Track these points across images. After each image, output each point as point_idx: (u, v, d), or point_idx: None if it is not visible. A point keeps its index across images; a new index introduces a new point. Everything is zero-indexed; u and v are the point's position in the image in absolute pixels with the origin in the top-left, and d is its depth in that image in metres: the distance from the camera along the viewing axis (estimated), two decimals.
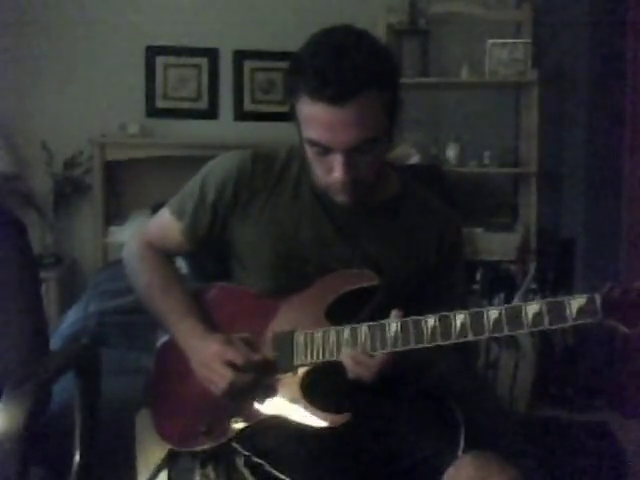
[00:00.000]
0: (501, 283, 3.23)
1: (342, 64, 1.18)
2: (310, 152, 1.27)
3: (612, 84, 3.17)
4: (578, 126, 3.45)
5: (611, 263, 3.12)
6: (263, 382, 1.31)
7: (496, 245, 3.47)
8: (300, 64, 1.23)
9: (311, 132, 1.23)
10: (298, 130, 1.29)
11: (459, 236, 1.47)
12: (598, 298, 1.10)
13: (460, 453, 1.24)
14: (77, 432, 1.40)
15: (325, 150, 1.24)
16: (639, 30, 3.01)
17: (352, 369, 1.23)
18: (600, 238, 3.26)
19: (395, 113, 1.27)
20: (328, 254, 1.37)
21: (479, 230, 3.49)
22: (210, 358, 1.31)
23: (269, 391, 1.31)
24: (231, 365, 1.29)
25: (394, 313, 1.23)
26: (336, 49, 1.20)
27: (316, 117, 1.21)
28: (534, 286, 3.16)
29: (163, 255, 1.48)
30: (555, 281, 3.26)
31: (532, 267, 3.28)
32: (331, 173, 1.25)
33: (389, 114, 1.25)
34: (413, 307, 1.24)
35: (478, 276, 3.26)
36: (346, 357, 1.24)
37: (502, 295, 3.12)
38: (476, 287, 3.22)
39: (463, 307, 1.20)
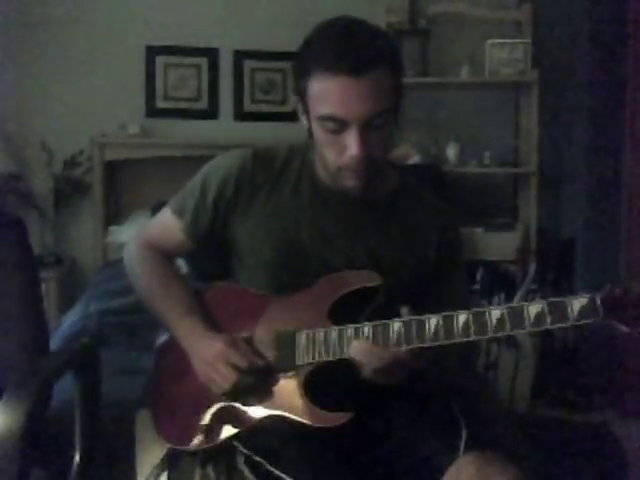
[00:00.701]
0: (501, 283, 3.23)
1: (357, 38, 1.23)
2: (322, 134, 1.28)
3: (612, 84, 3.17)
4: (578, 126, 3.44)
5: (611, 263, 3.12)
6: (265, 381, 1.31)
7: (496, 245, 3.48)
8: (312, 45, 1.27)
9: (326, 107, 1.25)
10: (307, 115, 1.30)
11: (458, 232, 1.48)
12: (599, 298, 1.11)
13: (461, 453, 1.24)
14: (77, 432, 1.40)
15: (339, 127, 1.25)
16: (639, 30, 3.01)
17: (367, 362, 1.22)
18: (600, 238, 3.26)
19: (400, 94, 1.31)
20: (329, 250, 1.37)
21: (479, 230, 3.49)
22: (213, 358, 1.31)
23: (271, 390, 1.31)
24: (234, 367, 1.29)
25: (403, 310, 1.22)
26: (347, 28, 1.26)
27: (332, 91, 1.23)
28: (534, 286, 3.16)
29: (163, 256, 1.48)
30: (555, 281, 3.26)
31: (532, 267, 3.28)
32: (345, 152, 1.26)
33: (396, 92, 1.29)
34: (415, 306, 1.24)
35: (478, 276, 3.26)
36: (358, 350, 1.23)
37: (502, 295, 3.12)
38: (476, 287, 3.23)
39: (466, 303, 1.20)
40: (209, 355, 1.32)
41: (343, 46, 1.22)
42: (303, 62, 1.28)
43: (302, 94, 1.29)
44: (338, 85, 1.22)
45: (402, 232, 1.40)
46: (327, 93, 1.24)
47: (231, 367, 1.29)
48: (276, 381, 1.31)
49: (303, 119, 1.33)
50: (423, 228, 1.42)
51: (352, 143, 1.25)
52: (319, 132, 1.29)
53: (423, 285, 1.40)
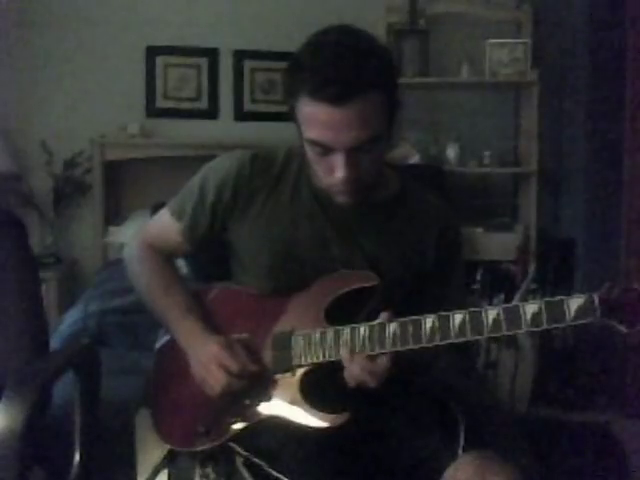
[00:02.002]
0: (501, 283, 3.23)
1: (343, 63, 1.18)
2: (311, 153, 1.27)
3: (612, 84, 3.17)
4: (578, 126, 3.45)
5: (611, 263, 3.12)
6: (262, 382, 1.31)
7: (496, 245, 3.48)
8: (300, 64, 1.23)
9: (312, 132, 1.23)
10: (298, 131, 1.29)
11: (457, 235, 1.47)
12: (596, 298, 1.09)
13: (460, 453, 1.24)
14: (77, 432, 1.40)
15: (326, 150, 1.23)
16: (639, 30, 3.01)
17: (355, 375, 1.22)
18: (600, 238, 3.26)
19: (394, 112, 1.27)
20: (326, 255, 1.37)
21: (479, 230, 3.49)
22: (207, 360, 1.31)
23: (268, 392, 1.31)
24: (226, 370, 1.29)
25: (382, 316, 1.22)
26: (336, 48, 1.20)
27: (317, 117, 1.20)
28: (534, 286, 3.16)
29: (163, 256, 1.48)
30: (555, 281, 3.26)
31: (532, 267, 3.28)
32: (332, 173, 1.25)
33: (389, 113, 1.25)
34: (412, 307, 1.24)
35: (478, 276, 3.26)
36: (348, 362, 1.23)
37: (502, 295, 3.12)
38: (476, 287, 3.23)
39: (462, 306, 1.20)
40: (204, 357, 1.32)
41: (328, 73, 1.17)
42: (291, 82, 1.25)
43: (292, 109, 1.27)
44: (323, 112, 1.19)
45: (401, 237, 1.39)
46: (313, 119, 1.21)
47: (223, 370, 1.29)
48: (273, 382, 1.31)
49: (296, 129, 1.30)
50: (423, 232, 1.40)
51: (338, 167, 1.23)
52: (308, 150, 1.27)
53: (421, 287, 1.40)
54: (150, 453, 1.39)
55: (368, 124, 1.21)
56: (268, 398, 1.30)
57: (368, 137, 1.21)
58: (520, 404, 2.84)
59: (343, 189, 1.27)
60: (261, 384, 1.31)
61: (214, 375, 1.29)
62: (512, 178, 3.85)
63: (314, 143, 1.24)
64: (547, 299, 1.12)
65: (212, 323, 1.39)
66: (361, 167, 1.25)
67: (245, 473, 1.30)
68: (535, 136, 3.52)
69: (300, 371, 1.29)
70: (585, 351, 3.16)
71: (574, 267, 3.37)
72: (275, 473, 1.26)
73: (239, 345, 1.32)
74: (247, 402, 1.31)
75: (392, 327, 1.21)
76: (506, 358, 2.84)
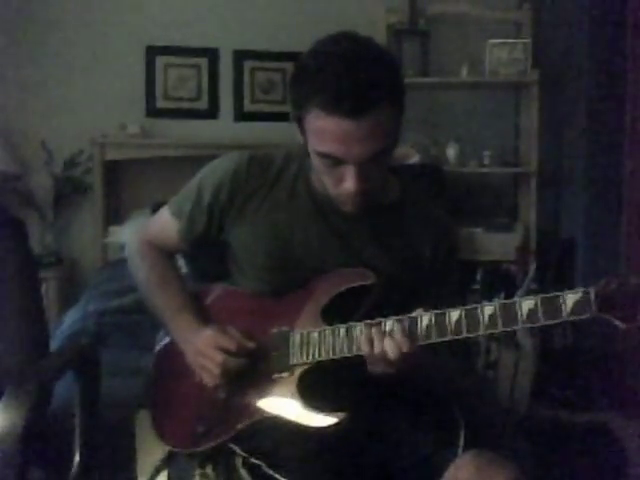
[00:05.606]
0: (501, 283, 3.23)
1: (357, 77, 1.16)
2: (319, 164, 1.26)
3: (612, 84, 3.17)
4: (578, 126, 3.45)
5: (611, 263, 3.12)
6: (259, 382, 1.31)
7: (496, 245, 3.48)
8: (310, 76, 1.20)
9: (323, 145, 1.21)
10: (304, 140, 1.27)
11: (454, 243, 1.45)
12: (593, 293, 1.08)
13: (460, 452, 1.24)
14: (77, 432, 1.41)
15: (336, 162, 1.22)
16: (639, 30, 3.01)
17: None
18: (600, 238, 3.26)
19: (401, 119, 1.27)
20: (322, 258, 1.36)
21: (479, 230, 3.49)
22: (203, 345, 1.32)
23: (266, 391, 1.31)
24: (223, 350, 1.29)
25: (418, 311, 1.20)
26: (347, 61, 1.17)
27: (330, 130, 1.19)
28: (534, 286, 3.16)
29: (162, 252, 1.49)
30: (555, 281, 3.26)
31: (532, 267, 3.28)
32: (341, 184, 1.25)
33: (397, 121, 1.25)
34: (409, 306, 1.24)
35: (478, 276, 3.26)
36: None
37: (502, 295, 3.11)
38: (476, 287, 3.23)
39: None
40: (200, 343, 1.33)
41: (342, 87, 1.15)
42: (299, 92, 1.22)
43: (299, 120, 1.25)
44: (336, 126, 1.17)
45: (398, 242, 1.39)
46: (324, 132, 1.19)
47: (220, 351, 1.29)
48: (271, 381, 1.31)
49: (301, 139, 1.29)
50: (420, 238, 1.40)
51: (349, 179, 1.22)
52: (316, 161, 1.26)
53: (416, 293, 1.38)
54: (150, 453, 1.39)
55: (380, 136, 1.20)
56: (266, 397, 1.30)
57: (380, 149, 1.21)
58: (520, 404, 2.84)
59: (352, 200, 1.27)
60: (259, 383, 1.31)
61: (211, 357, 1.30)
62: (512, 178, 3.86)
63: (325, 156, 1.22)
64: (543, 295, 1.12)
65: (209, 322, 1.39)
66: (370, 178, 1.24)
67: (244, 473, 1.30)
68: (535, 136, 3.52)
69: (298, 370, 1.29)
70: (585, 351, 3.16)
71: (574, 267, 3.38)
72: (274, 473, 1.26)
73: (235, 330, 1.33)
74: (246, 402, 1.31)
75: (389, 325, 1.21)
76: (506, 358, 2.84)
